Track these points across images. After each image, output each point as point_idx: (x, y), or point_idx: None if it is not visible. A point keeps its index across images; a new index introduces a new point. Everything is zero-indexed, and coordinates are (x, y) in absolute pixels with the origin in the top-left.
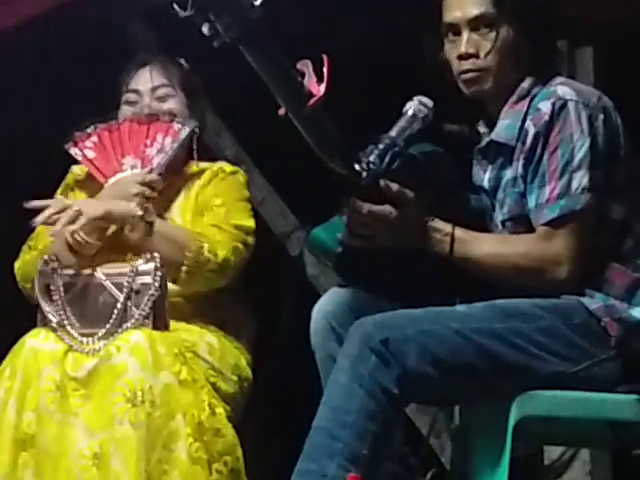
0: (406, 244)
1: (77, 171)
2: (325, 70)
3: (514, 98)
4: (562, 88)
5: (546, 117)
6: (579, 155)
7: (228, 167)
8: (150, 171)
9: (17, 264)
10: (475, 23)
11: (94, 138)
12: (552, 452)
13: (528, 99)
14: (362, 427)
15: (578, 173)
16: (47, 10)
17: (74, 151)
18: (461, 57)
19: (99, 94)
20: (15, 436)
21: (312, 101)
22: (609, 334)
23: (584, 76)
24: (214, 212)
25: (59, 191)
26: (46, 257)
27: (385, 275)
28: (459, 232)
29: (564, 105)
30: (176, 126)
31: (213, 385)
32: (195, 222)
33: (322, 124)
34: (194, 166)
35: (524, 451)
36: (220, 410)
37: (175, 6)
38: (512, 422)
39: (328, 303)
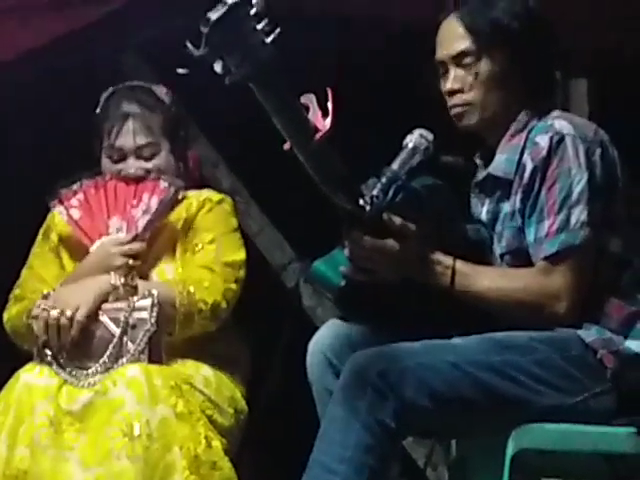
0: (408, 277)
1: (60, 223)
2: (330, 104)
3: (511, 131)
4: (559, 122)
5: (544, 152)
6: (577, 189)
7: (214, 196)
8: (135, 237)
9: (5, 316)
10: (458, 59)
11: (80, 196)
12: None
13: (525, 132)
14: (359, 461)
15: (577, 208)
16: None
17: (59, 209)
18: (448, 93)
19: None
20: (6, 472)
21: (319, 136)
22: (605, 366)
23: (578, 107)
24: (205, 251)
25: (41, 231)
26: (45, 292)
27: (385, 309)
28: (460, 265)
29: (561, 140)
30: (162, 185)
31: (209, 418)
32: (184, 261)
33: (327, 159)
34: (178, 206)
35: None
36: (216, 443)
37: (189, 45)
38: (509, 455)
39: (326, 336)
